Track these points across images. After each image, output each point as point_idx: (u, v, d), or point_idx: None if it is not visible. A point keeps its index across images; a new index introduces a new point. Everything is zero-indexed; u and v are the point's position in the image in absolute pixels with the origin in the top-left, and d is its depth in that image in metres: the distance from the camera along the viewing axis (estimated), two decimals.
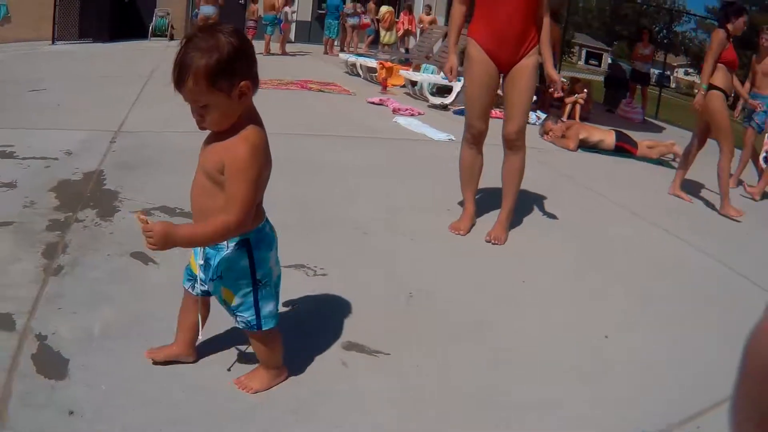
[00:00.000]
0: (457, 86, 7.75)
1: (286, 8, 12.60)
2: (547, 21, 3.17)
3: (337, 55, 12.07)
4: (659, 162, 6.37)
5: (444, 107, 7.53)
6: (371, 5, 14.52)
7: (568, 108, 8.85)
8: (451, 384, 1.99)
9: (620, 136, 6.55)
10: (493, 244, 3.26)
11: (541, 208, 3.89)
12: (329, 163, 4.25)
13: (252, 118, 1.56)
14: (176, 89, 1.45)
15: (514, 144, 3.28)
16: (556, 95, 3.53)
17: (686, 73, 38.17)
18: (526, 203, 3.81)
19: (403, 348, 2.14)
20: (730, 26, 4.53)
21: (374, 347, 2.12)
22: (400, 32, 14.35)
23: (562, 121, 7.39)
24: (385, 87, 8.08)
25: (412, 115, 6.53)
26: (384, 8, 14.08)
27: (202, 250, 1.63)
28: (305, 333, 2.15)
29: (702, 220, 4.49)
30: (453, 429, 1.80)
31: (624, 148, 6.41)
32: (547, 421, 1.87)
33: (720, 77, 4.61)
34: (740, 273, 3.36)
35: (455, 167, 3.51)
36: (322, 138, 5.09)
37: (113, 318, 2.06)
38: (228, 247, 1.59)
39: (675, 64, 39.90)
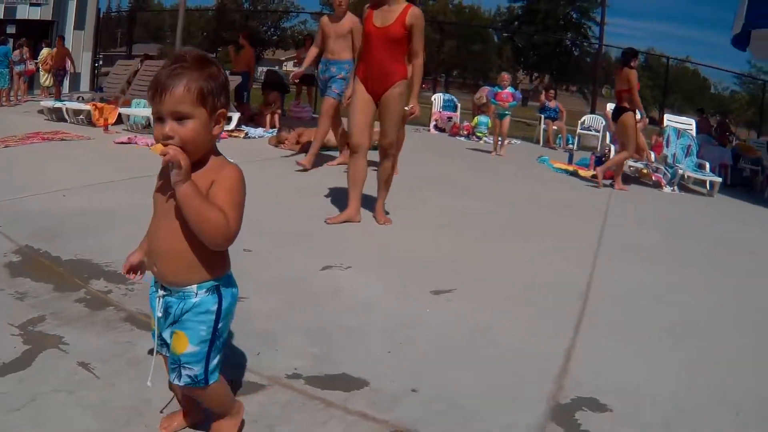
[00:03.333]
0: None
1: None
2: (419, 62, 4.56)
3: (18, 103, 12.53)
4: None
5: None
6: (26, 50, 14.19)
7: (267, 117, 10.36)
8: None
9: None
10: (386, 225, 4.75)
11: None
12: None
13: (221, 156, 1.70)
14: (157, 95, 1.55)
15: (387, 152, 4.72)
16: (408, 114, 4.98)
17: (295, 65, 42.93)
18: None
19: (436, 282, 3.61)
20: (634, 64, 7.83)
21: (436, 288, 3.49)
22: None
23: (293, 129, 8.86)
24: (105, 127, 8.42)
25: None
26: (45, 50, 14.32)
27: (161, 299, 1.68)
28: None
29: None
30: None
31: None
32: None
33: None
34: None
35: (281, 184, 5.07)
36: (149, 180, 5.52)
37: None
38: (196, 293, 1.64)
39: (284, 58, 45.17)
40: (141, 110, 8.75)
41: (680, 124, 10.92)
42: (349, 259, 3.79)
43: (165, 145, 1.53)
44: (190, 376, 1.66)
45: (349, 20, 6.30)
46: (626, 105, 7.91)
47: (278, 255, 3.79)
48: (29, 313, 2.70)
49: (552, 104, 13.78)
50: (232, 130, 9.22)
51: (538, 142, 13.59)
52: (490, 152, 10.57)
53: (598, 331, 3.12)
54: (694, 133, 10.40)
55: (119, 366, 2.29)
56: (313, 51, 6.72)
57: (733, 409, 2.47)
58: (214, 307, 1.66)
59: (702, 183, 9.20)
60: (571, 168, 9.49)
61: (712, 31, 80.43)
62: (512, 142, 12.38)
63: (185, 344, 1.64)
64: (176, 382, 1.68)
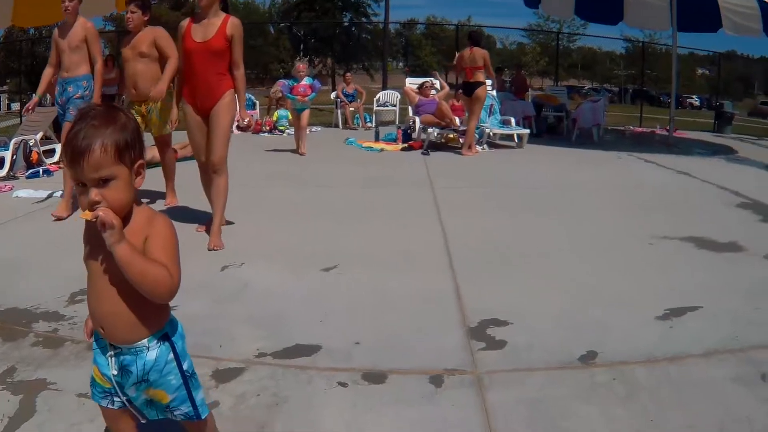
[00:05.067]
0: (6, 155, 8.05)
1: None
2: (241, 73, 4.56)
3: None
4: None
5: (14, 177, 7.79)
6: None
7: None
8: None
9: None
10: (216, 250, 4.38)
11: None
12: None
13: (143, 205, 1.67)
14: (74, 162, 1.50)
15: (217, 169, 4.56)
16: (243, 126, 4.95)
17: None
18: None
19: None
20: (483, 44, 8.88)
21: (323, 266, 4.05)
22: None
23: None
24: None
25: (11, 188, 6.89)
26: None
27: (114, 359, 1.68)
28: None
29: None
30: None
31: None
32: None
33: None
34: None
35: None
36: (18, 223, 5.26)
37: None
38: (148, 347, 1.67)
39: None
40: None
41: None
42: (238, 257, 4.16)
43: (92, 210, 1.51)
44: (182, 414, 1.77)
45: (82, 27, 5.41)
46: (480, 79, 9.07)
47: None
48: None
49: (350, 89, 14.58)
50: (58, 162, 8.71)
51: (336, 125, 14.31)
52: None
53: (468, 270, 3.94)
54: (494, 93, 11.31)
55: None
56: (47, 72, 5.63)
57: (596, 296, 3.47)
58: (171, 356, 1.70)
59: (509, 137, 10.50)
60: (379, 145, 10.33)
61: None
62: (312, 129, 12.79)
63: (165, 397, 1.72)
64: (173, 418, 1.79)
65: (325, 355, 2.77)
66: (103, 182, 1.51)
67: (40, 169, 8.05)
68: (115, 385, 1.71)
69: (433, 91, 10.72)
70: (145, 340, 1.66)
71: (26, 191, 6.66)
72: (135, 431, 1.86)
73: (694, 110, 31.51)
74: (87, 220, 1.54)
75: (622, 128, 14.09)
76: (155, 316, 1.68)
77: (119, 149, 1.52)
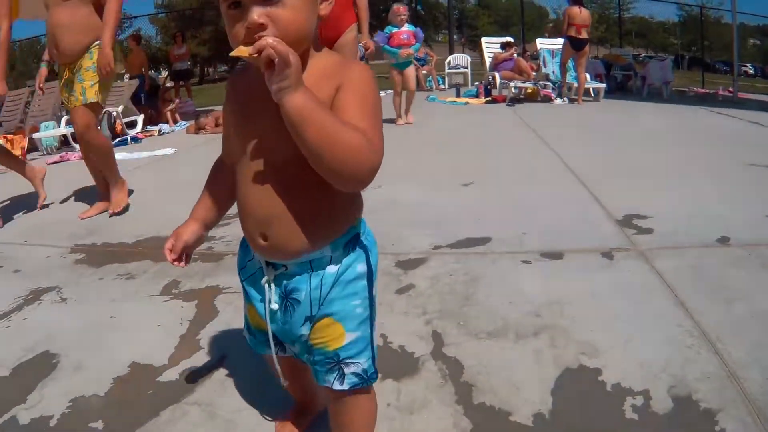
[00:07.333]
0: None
1: None
2: (363, 2, 4.73)
3: None
4: None
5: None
6: None
7: (168, 114, 10.46)
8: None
9: None
10: None
11: None
12: None
13: (327, 49, 1.15)
14: None
15: None
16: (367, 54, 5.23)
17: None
18: None
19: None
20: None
21: (462, 182, 4.25)
22: None
23: (209, 115, 9.14)
24: (24, 156, 8.16)
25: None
26: None
27: (270, 286, 1.15)
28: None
29: None
30: None
31: None
32: None
33: None
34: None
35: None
36: None
37: None
38: (331, 259, 1.13)
39: None
40: (51, 131, 8.52)
41: (552, 45, 12.13)
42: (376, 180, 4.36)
43: (252, 43, 0.94)
44: (356, 374, 1.18)
45: None
46: (587, 36, 9.47)
47: None
48: (157, 283, 2.66)
49: (421, 53, 14.71)
50: (144, 131, 9.28)
51: None
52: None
53: (595, 181, 4.09)
54: None
55: None
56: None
57: (713, 199, 3.58)
58: (363, 268, 1.17)
59: (585, 91, 10.53)
60: (462, 100, 10.59)
61: None
62: (388, 92, 12.72)
63: (341, 334, 1.15)
64: (338, 387, 1.18)
65: (498, 242, 2.97)
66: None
67: (128, 137, 8.46)
68: (269, 327, 1.18)
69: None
70: (327, 248, 1.13)
71: (121, 154, 6.81)
72: (311, 384, 1.35)
73: (749, 77, 30.89)
74: (244, 59, 0.97)
75: (686, 89, 14.06)
76: (346, 209, 1.16)
77: None
